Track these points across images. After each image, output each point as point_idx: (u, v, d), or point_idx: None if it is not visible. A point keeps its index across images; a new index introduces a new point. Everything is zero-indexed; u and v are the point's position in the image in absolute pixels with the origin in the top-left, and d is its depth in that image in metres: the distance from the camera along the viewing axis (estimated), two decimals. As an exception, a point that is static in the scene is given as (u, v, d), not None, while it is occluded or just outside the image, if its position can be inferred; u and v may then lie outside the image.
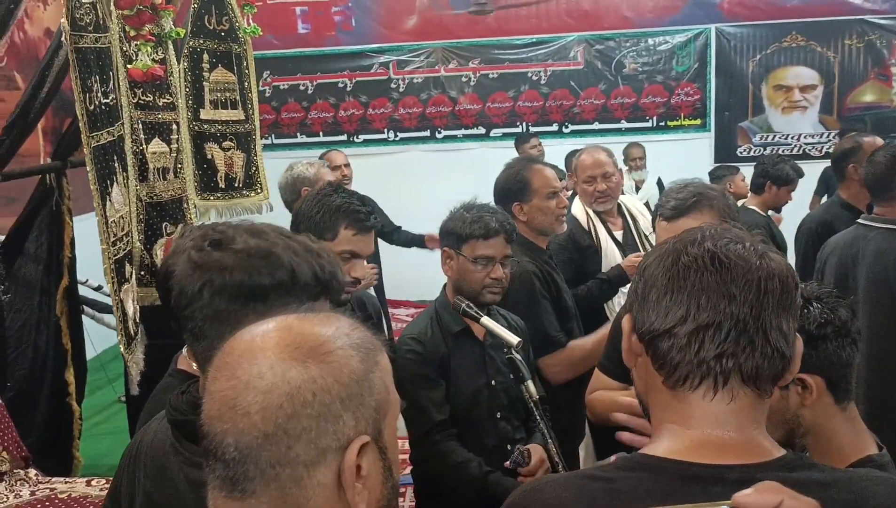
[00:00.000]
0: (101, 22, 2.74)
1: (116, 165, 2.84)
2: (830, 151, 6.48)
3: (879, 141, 3.63)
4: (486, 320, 2.15)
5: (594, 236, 3.28)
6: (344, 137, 8.05)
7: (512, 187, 2.89)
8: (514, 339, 2.04)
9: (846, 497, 1.01)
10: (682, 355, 1.01)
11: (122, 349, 2.85)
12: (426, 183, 7.48)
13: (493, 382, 2.32)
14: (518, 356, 2.03)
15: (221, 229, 1.28)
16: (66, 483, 2.93)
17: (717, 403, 1.02)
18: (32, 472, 2.97)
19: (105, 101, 2.72)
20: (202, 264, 1.20)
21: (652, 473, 1.01)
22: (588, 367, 2.42)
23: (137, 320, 3.00)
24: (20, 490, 2.81)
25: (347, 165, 4.80)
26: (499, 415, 2.33)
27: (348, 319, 0.91)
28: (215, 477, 0.83)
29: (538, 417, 2.01)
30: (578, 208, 3.36)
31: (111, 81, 2.79)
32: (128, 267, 2.95)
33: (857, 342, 1.56)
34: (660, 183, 6.61)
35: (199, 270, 1.20)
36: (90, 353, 4.28)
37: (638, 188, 6.62)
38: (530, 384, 2.02)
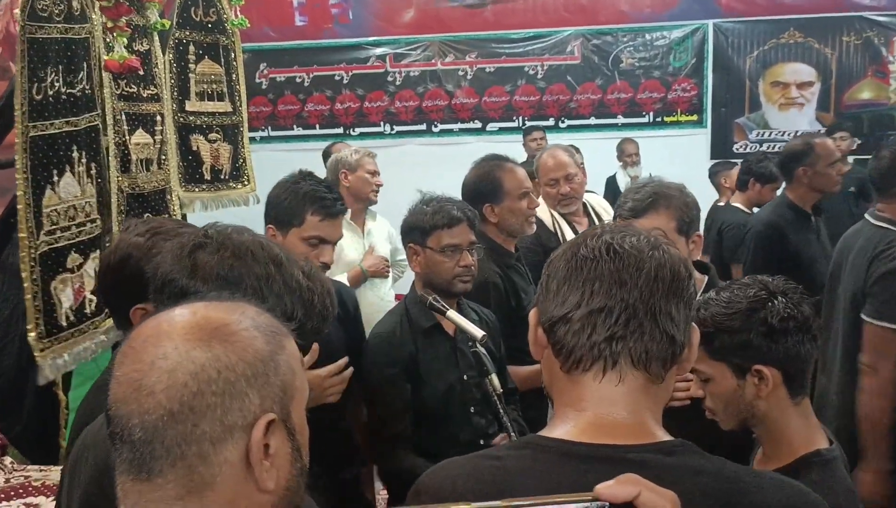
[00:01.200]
0: (79, 13, 2.74)
1: (75, 154, 2.83)
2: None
3: (830, 142, 3.59)
4: (452, 313, 2.16)
5: (561, 237, 3.26)
6: (340, 130, 8.05)
7: (483, 189, 2.84)
8: (478, 333, 2.05)
9: (722, 487, 1.03)
10: (577, 339, 1.05)
11: (32, 340, 2.80)
12: (422, 177, 7.38)
13: (464, 377, 2.32)
14: (482, 350, 2.04)
15: (212, 234, 1.29)
16: (40, 470, 2.95)
17: (606, 384, 1.06)
18: (7, 460, 2.99)
19: (70, 91, 2.72)
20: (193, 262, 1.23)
21: (536, 452, 1.06)
22: (525, 389, 2.51)
23: (73, 309, 2.97)
24: (-6, 478, 2.84)
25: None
26: (472, 409, 2.33)
27: (254, 306, 0.93)
28: (122, 461, 0.84)
29: (501, 410, 2.02)
30: (543, 210, 3.31)
31: (82, 72, 2.80)
32: (72, 256, 2.92)
33: (817, 339, 1.59)
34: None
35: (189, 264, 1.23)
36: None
37: (632, 183, 6.63)
38: (494, 377, 2.03)
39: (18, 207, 2.72)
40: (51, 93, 2.70)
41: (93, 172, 2.94)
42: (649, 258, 1.06)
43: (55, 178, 2.78)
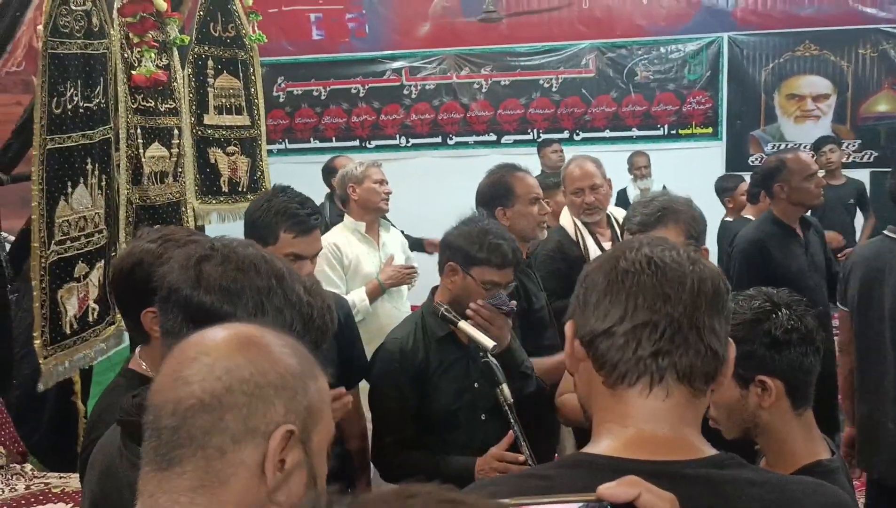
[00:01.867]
0: (98, 28, 2.81)
1: (89, 166, 2.89)
2: (844, 161, 6.42)
3: (804, 156, 3.59)
4: (463, 324, 2.18)
5: (583, 247, 3.30)
6: (356, 143, 8.12)
7: (496, 193, 2.95)
8: (489, 343, 2.07)
9: (776, 497, 1.04)
10: (621, 353, 1.05)
11: (37, 348, 2.84)
12: (437, 189, 7.50)
13: (475, 384, 2.34)
14: (493, 360, 2.06)
15: (218, 247, 1.33)
16: (60, 478, 3.00)
17: (652, 400, 1.05)
18: (28, 467, 3.04)
19: (87, 105, 2.78)
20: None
21: (588, 470, 1.04)
22: (549, 383, 2.48)
23: (77, 317, 3.01)
24: (15, 484, 2.89)
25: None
26: (483, 417, 2.34)
27: (293, 339, 0.99)
28: (147, 452, 0.89)
29: (512, 420, 2.04)
30: (567, 219, 3.37)
31: (99, 86, 2.86)
32: (80, 266, 2.97)
33: (820, 351, 1.60)
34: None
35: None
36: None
37: (643, 195, 6.64)
38: (505, 387, 2.05)
39: (32, 217, 2.78)
40: (69, 107, 2.76)
41: (103, 183, 3.00)
42: (691, 273, 1.06)
43: (69, 189, 2.84)
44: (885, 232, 3.00)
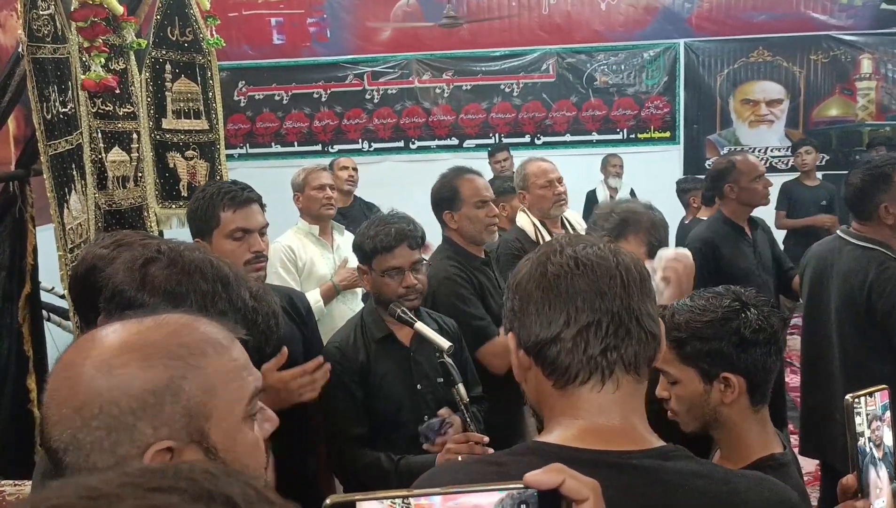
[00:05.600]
0: (60, 33, 2.79)
1: (75, 173, 2.89)
2: (795, 164, 6.60)
3: (752, 159, 3.69)
4: (419, 325, 2.20)
5: None
6: (318, 148, 8.11)
7: (443, 196, 2.96)
8: (445, 344, 2.09)
9: (719, 489, 1.08)
10: (571, 356, 1.08)
11: None
12: (400, 193, 7.50)
13: (418, 386, 2.35)
14: (450, 360, 2.08)
15: (165, 250, 1.32)
16: (14, 485, 2.95)
17: (604, 394, 1.09)
18: (-18, 475, 2.98)
19: (63, 110, 2.77)
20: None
21: (538, 457, 1.06)
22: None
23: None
24: (-30, 493, 2.83)
25: (355, 169, 5.45)
26: (426, 417, 2.33)
27: (182, 320, 0.94)
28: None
29: (468, 419, 2.07)
30: (524, 220, 3.41)
31: (69, 91, 2.84)
32: None
33: (781, 352, 1.65)
34: (632, 195, 6.74)
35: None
36: (55, 360, 4.30)
37: (611, 197, 6.75)
38: (461, 387, 2.07)
39: (54, 226, 2.78)
40: (54, 112, 2.75)
41: (85, 189, 2.99)
42: (617, 265, 1.11)
43: (68, 196, 2.84)
44: (837, 231, 3.10)
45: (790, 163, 7.58)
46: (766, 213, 5.60)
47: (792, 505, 1.13)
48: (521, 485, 0.78)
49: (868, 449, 1.14)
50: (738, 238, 3.51)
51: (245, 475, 0.58)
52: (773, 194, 6.04)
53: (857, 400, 1.14)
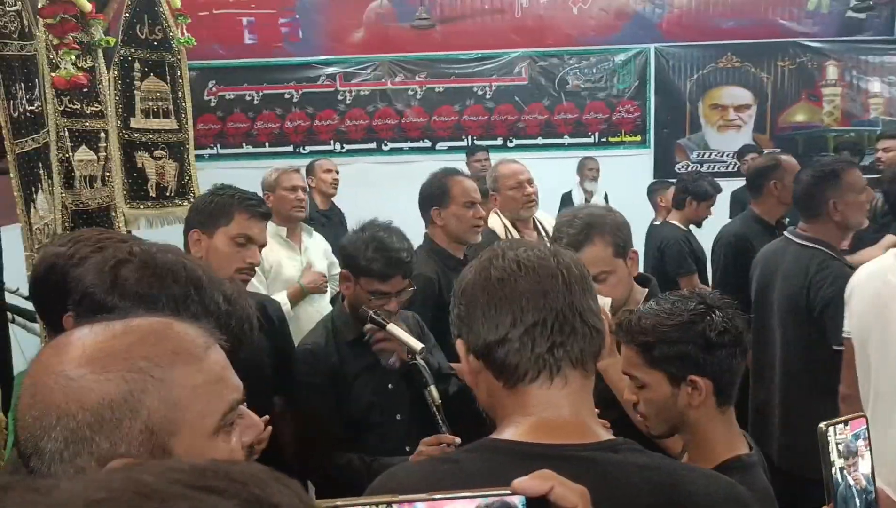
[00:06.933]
0: (27, 30, 2.74)
1: (42, 172, 2.84)
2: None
3: (793, 160, 3.79)
4: (392, 327, 2.20)
5: None
6: (290, 149, 8.06)
7: (433, 193, 3.03)
8: (417, 345, 2.09)
9: (664, 481, 1.10)
10: (519, 356, 1.11)
11: None
12: (372, 195, 7.49)
13: (389, 386, 2.34)
14: (421, 363, 2.08)
15: (136, 252, 1.30)
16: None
17: (553, 390, 1.12)
18: (-56, 480, 2.91)
19: (30, 108, 2.72)
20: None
21: (492, 454, 1.10)
22: None
23: None
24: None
25: (337, 172, 5.32)
26: (398, 417, 2.35)
27: (153, 326, 0.90)
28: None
29: (440, 421, 2.07)
30: (496, 222, 3.43)
31: (36, 89, 2.80)
32: None
33: (746, 353, 1.67)
34: (606, 199, 6.80)
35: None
36: (21, 363, 4.21)
37: (587, 200, 6.81)
38: (433, 389, 2.08)
39: (20, 225, 2.73)
40: (21, 110, 2.70)
41: (53, 189, 2.94)
42: (557, 265, 1.14)
43: (35, 195, 2.79)
44: (785, 232, 3.17)
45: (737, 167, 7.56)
46: (723, 213, 5.65)
47: (740, 501, 1.14)
48: (509, 491, 0.78)
49: (841, 479, 1.15)
50: (769, 237, 3.59)
51: (293, 482, 0.58)
52: (724, 200, 6.12)
53: (829, 428, 1.15)
